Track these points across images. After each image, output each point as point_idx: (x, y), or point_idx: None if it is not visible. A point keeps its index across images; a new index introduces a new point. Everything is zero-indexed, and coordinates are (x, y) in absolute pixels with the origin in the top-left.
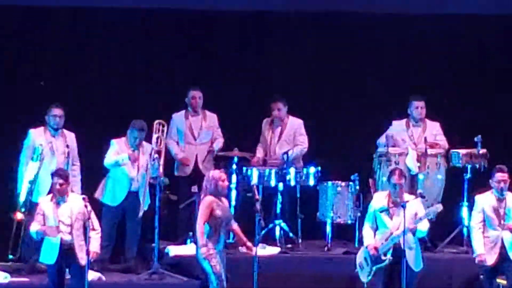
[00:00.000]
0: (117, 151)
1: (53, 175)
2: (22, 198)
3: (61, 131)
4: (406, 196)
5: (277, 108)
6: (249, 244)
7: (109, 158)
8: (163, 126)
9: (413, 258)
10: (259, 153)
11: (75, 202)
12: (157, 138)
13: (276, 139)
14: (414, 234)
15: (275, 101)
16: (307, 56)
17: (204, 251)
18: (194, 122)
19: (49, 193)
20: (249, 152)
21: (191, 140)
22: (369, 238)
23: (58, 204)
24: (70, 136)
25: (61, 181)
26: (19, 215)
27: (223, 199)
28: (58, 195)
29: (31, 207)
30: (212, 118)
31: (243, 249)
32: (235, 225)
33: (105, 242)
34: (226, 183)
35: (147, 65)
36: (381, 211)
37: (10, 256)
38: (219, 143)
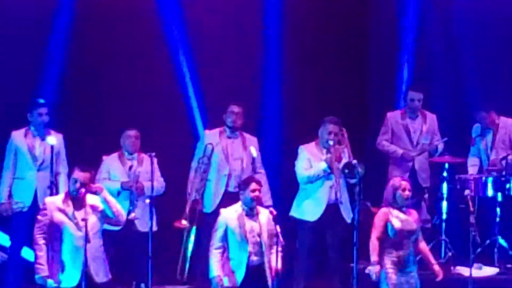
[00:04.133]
0: (308, 160)
1: (251, 179)
2: (187, 207)
3: (239, 133)
4: None
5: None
6: (436, 267)
7: (302, 171)
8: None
9: None
10: (473, 170)
11: (263, 215)
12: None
13: (489, 145)
14: None
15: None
16: None
17: (374, 270)
18: (412, 124)
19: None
20: (461, 157)
21: (408, 146)
22: None
23: (249, 217)
24: (251, 140)
25: (259, 187)
26: (184, 222)
27: (411, 210)
28: (254, 206)
29: (200, 219)
30: (433, 120)
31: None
32: (422, 244)
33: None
34: (407, 193)
35: None
36: None
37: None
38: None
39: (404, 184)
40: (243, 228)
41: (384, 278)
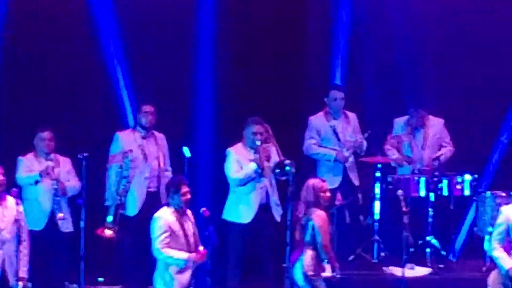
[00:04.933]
0: (238, 162)
1: (181, 182)
2: (112, 213)
3: (151, 132)
4: None
5: (418, 116)
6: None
7: (233, 174)
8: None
9: None
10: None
11: (190, 215)
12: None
13: (420, 144)
14: None
15: (416, 109)
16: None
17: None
18: (337, 125)
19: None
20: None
21: (337, 147)
22: (507, 259)
23: (183, 218)
24: (161, 137)
25: (189, 189)
26: (108, 232)
27: None
28: (185, 206)
29: (122, 223)
30: (354, 118)
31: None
32: None
33: (235, 274)
34: (328, 194)
35: None
36: None
37: (100, 279)
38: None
39: (325, 185)
40: (185, 229)
41: (312, 281)
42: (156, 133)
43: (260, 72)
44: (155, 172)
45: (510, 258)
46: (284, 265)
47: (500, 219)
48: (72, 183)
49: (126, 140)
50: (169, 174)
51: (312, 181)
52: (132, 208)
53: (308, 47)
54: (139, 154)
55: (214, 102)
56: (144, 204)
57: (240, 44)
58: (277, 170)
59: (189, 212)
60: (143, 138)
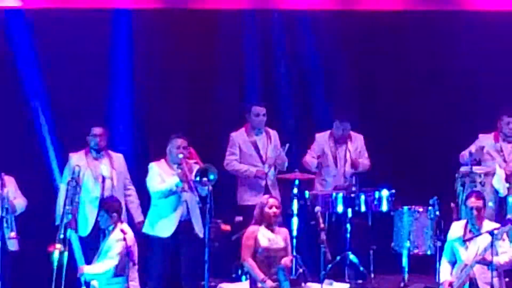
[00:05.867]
0: (160, 175)
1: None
2: (61, 231)
3: (104, 152)
4: (487, 223)
5: (344, 129)
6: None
7: (155, 186)
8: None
9: None
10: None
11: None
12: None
13: (343, 160)
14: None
15: (342, 121)
16: (374, 70)
17: (269, 285)
18: (259, 141)
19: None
20: (310, 174)
21: (258, 163)
22: (445, 274)
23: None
24: (118, 157)
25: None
26: (58, 245)
27: (280, 228)
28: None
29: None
30: (275, 135)
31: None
32: (287, 259)
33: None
34: (275, 210)
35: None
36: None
37: None
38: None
39: (272, 201)
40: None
41: None
42: (112, 153)
43: (180, 91)
44: (108, 192)
45: (447, 274)
46: (202, 283)
47: (448, 234)
48: (19, 201)
49: (79, 161)
50: (130, 193)
51: (261, 198)
52: (84, 228)
53: (221, 67)
54: (90, 174)
55: (136, 120)
56: (95, 224)
57: (157, 65)
58: (198, 178)
59: (122, 229)
60: (95, 159)
